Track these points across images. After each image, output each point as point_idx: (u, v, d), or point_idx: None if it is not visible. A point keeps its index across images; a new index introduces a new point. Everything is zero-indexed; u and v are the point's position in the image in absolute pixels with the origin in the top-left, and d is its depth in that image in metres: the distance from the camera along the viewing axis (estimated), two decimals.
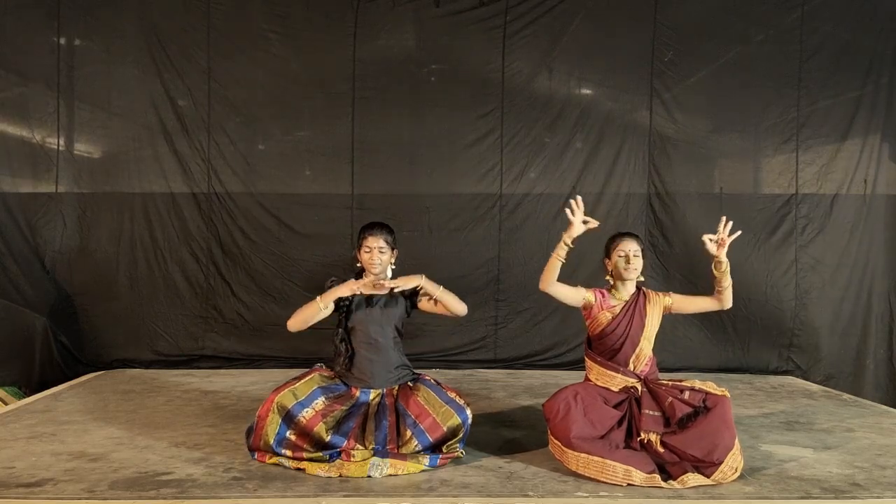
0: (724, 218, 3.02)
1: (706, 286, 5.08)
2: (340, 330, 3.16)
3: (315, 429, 2.82)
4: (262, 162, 5.19)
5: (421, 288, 3.14)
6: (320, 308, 3.05)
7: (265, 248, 5.16)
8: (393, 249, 3.19)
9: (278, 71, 5.15)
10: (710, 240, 3.00)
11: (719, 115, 5.30)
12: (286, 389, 2.91)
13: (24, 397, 4.37)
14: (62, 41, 5.02)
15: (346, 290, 3.06)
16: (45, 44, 5.02)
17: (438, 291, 3.09)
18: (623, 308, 3.13)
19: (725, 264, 3.01)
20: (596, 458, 2.74)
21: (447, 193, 5.23)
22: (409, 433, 2.90)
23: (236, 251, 5.15)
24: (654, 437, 2.86)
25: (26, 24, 4.99)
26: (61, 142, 5.05)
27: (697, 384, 2.95)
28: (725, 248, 3.00)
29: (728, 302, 3.12)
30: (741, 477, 2.78)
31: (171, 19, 5.07)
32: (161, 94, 5.08)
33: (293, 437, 2.85)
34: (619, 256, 3.11)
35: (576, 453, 2.78)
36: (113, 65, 5.08)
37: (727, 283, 3.05)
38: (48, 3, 4.98)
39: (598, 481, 2.71)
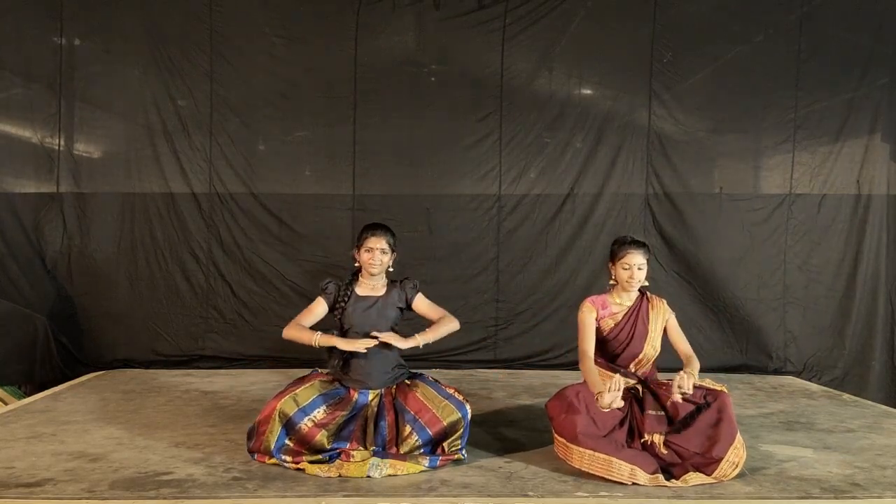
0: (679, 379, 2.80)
1: (702, 286, 5.20)
2: (335, 331, 3.15)
3: (316, 438, 2.83)
4: (262, 162, 5.20)
5: (416, 290, 3.23)
6: (314, 344, 3.05)
7: (266, 248, 5.16)
8: (393, 252, 3.20)
9: (279, 72, 5.16)
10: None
11: (719, 116, 5.29)
12: (288, 395, 2.89)
13: (24, 397, 4.37)
14: (63, 41, 5.02)
15: (343, 343, 3.03)
16: (46, 44, 5.01)
17: (435, 335, 3.11)
18: (625, 314, 3.11)
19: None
20: (602, 456, 2.72)
21: (447, 194, 5.24)
22: (408, 429, 2.89)
23: (237, 251, 5.15)
24: (657, 439, 2.85)
25: (27, 25, 4.98)
26: (62, 142, 5.04)
27: (696, 381, 2.94)
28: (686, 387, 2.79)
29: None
30: (742, 474, 2.78)
31: (173, 20, 5.07)
32: (162, 94, 5.08)
33: (292, 444, 2.85)
34: (624, 269, 3.07)
35: (581, 449, 2.75)
36: (114, 65, 5.09)
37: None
38: (49, 3, 4.97)
39: (604, 479, 2.70)
